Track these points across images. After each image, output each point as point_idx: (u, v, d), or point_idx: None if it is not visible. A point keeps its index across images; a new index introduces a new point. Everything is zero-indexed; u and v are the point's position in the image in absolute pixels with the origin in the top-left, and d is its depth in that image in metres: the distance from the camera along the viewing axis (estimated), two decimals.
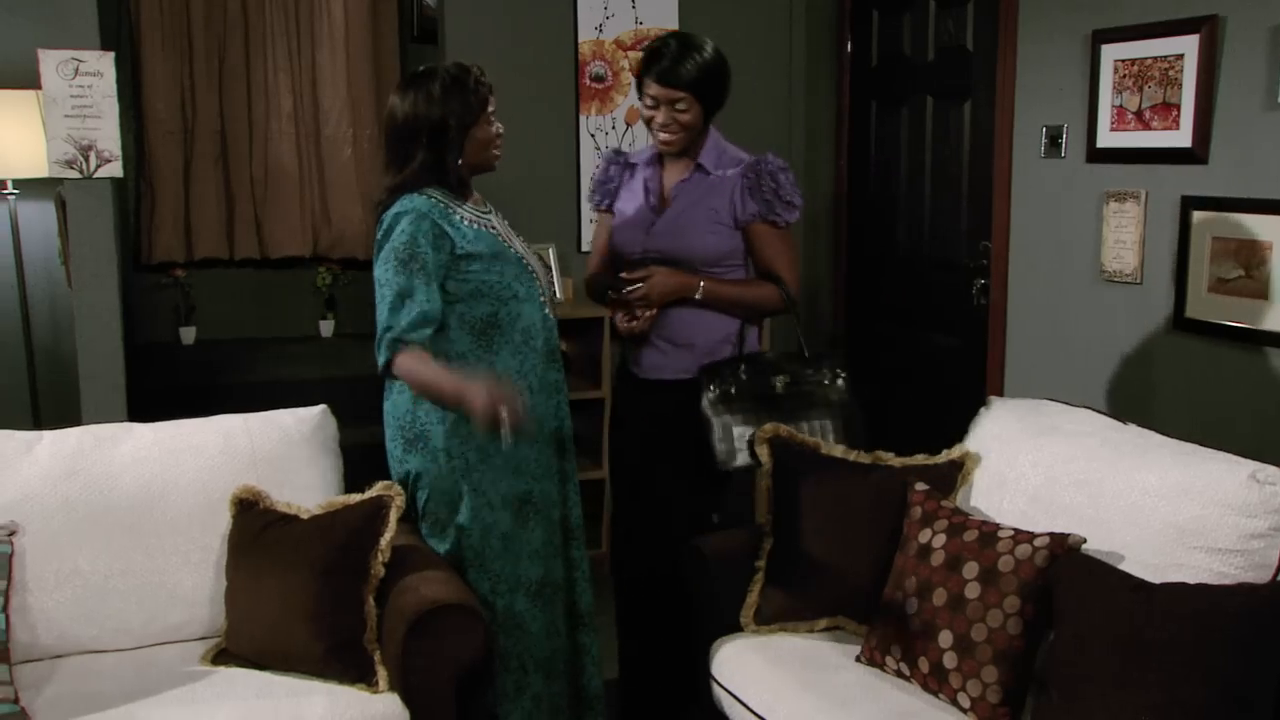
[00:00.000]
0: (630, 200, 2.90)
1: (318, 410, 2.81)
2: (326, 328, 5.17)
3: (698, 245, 2.78)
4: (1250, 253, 2.90)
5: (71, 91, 3.47)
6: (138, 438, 2.65)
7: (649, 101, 2.75)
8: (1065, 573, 2.13)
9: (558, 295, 4.04)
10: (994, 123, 3.76)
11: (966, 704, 2.17)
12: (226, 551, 2.55)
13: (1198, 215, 3.04)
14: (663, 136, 2.77)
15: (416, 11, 5.15)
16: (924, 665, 2.25)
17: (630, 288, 2.72)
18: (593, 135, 4.50)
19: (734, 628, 2.59)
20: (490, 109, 2.55)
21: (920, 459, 2.67)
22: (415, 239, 2.44)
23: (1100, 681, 1.96)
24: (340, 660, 2.34)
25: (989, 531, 2.29)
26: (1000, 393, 3.72)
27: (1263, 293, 2.87)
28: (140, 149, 4.85)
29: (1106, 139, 3.32)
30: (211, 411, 2.76)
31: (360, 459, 2.84)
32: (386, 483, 2.52)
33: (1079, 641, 2.03)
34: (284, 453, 2.70)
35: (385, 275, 2.47)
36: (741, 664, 2.49)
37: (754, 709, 2.39)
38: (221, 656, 2.46)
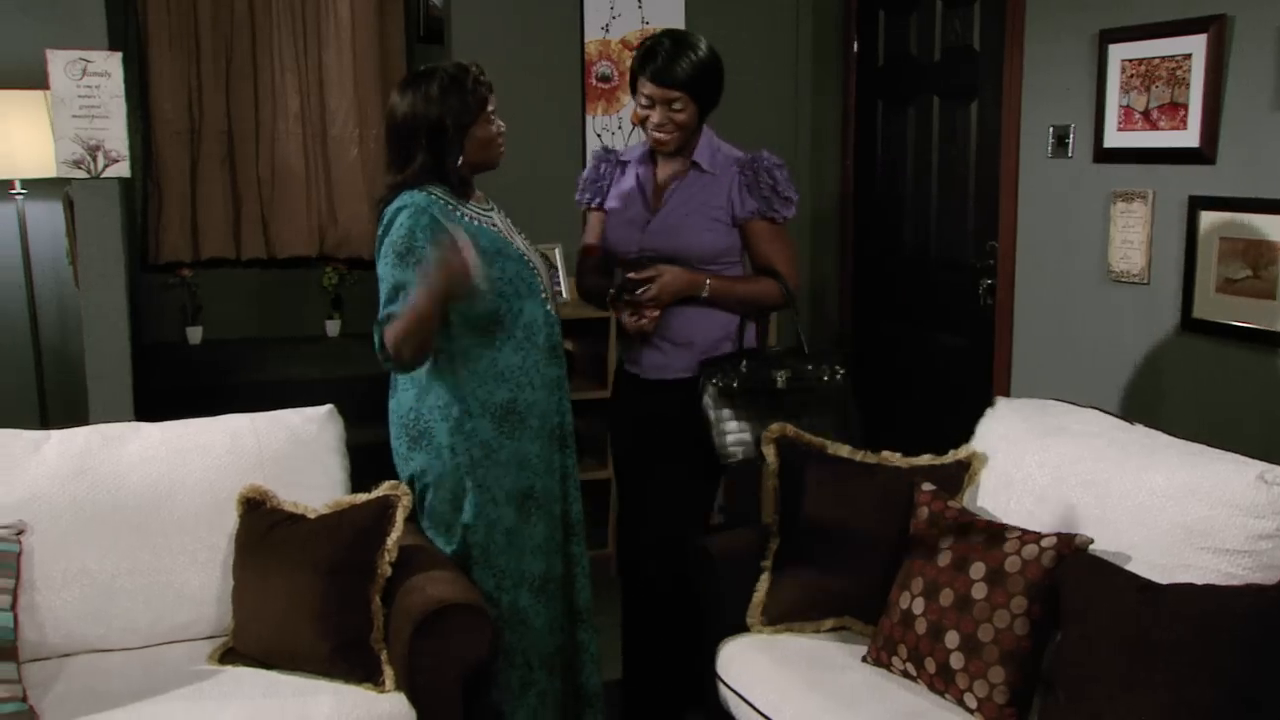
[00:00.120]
0: (623, 199, 2.89)
1: (324, 410, 2.82)
2: (333, 327, 5.18)
3: (694, 243, 2.77)
4: (1258, 253, 2.89)
5: (79, 92, 3.48)
6: (145, 437, 2.66)
7: (644, 101, 2.74)
8: (1072, 573, 2.13)
9: (563, 295, 4.04)
10: (1001, 123, 3.75)
11: (973, 704, 2.17)
12: (233, 551, 2.56)
13: (1205, 215, 3.03)
14: (658, 136, 2.76)
15: (423, 11, 5.14)
16: (931, 665, 2.25)
17: (642, 288, 2.71)
18: (599, 135, 4.50)
19: (740, 628, 2.59)
20: (490, 108, 2.55)
21: (927, 459, 2.67)
22: (413, 233, 2.45)
23: (1108, 682, 1.96)
24: (347, 660, 2.35)
25: (996, 532, 2.28)
26: (1007, 393, 3.71)
27: (1271, 293, 2.86)
28: (147, 149, 4.86)
29: (1114, 139, 3.31)
30: (218, 411, 2.77)
31: (367, 459, 2.85)
32: (393, 482, 2.52)
33: (1086, 642, 2.03)
34: (291, 452, 2.71)
35: (384, 269, 2.49)
36: (748, 664, 2.49)
37: (760, 709, 2.39)
38: (228, 656, 2.46)
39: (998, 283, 3.81)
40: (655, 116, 2.73)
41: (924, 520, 2.42)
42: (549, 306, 2.64)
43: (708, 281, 2.75)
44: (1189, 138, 3.05)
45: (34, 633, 2.43)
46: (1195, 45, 3.01)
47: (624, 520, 3.04)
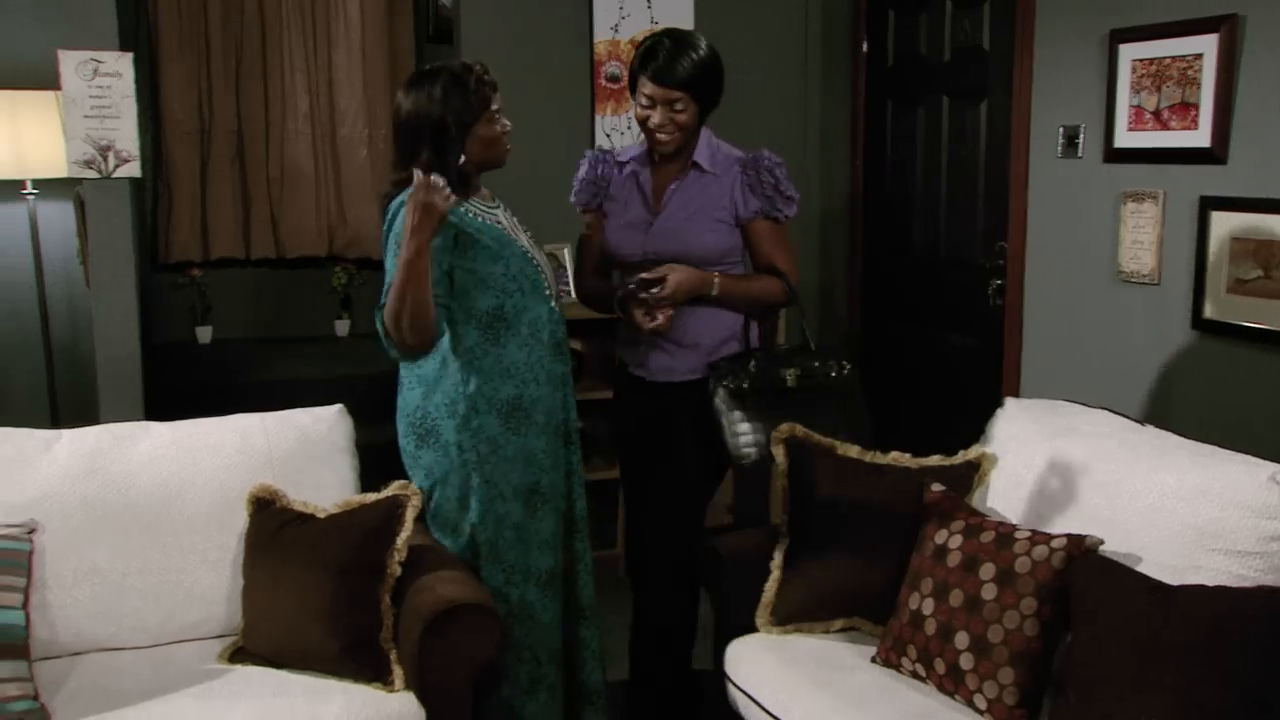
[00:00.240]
0: (623, 201, 2.86)
1: (334, 410, 2.83)
2: (342, 327, 5.19)
3: (697, 244, 2.76)
4: (1269, 253, 2.88)
5: (90, 92, 3.49)
6: (155, 437, 2.67)
7: (644, 101, 2.71)
8: (1083, 574, 2.12)
9: (571, 295, 4.04)
10: (1011, 123, 3.74)
11: (983, 705, 2.17)
12: (243, 550, 2.56)
13: (1216, 216, 3.02)
14: (660, 137, 2.73)
15: (432, 11, 5.15)
16: (940, 666, 2.25)
17: (654, 289, 2.70)
18: (608, 135, 4.50)
19: (749, 628, 2.59)
20: (494, 107, 2.55)
21: (936, 460, 2.66)
22: None
23: (1118, 683, 1.95)
24: (356, 659, 2.35)
25: (1006, 532, 2.28)
26: (1016, 394, 3.71)
27: None
28: (158, 149, 4.87)
29: (1124, 139, 3.30)
30: (228, 411, 2.77)
31: (376, 458, 2.85)
32: (402, 482, 2.53)
33: (1096, 643, 2.02)
34: (300, 452, 2.71)
35: (387, 262, 2.49)
36: (756, 664, 2.49)
37: (769, 709, 2.38)
38: (238, 655, 2.47)
39: (1007, 283, 3.80)
40: (656, 117, 2.70)
41: (934, 521, 2.42)
42: (553, 304, 2.65)
43: (716, 280, 2.75)
44: (1200, 138, 3.04)
45: (45, 631, 2.43)
46: (1207, 45, 3.00)
47: (631, 524, 3.04)
